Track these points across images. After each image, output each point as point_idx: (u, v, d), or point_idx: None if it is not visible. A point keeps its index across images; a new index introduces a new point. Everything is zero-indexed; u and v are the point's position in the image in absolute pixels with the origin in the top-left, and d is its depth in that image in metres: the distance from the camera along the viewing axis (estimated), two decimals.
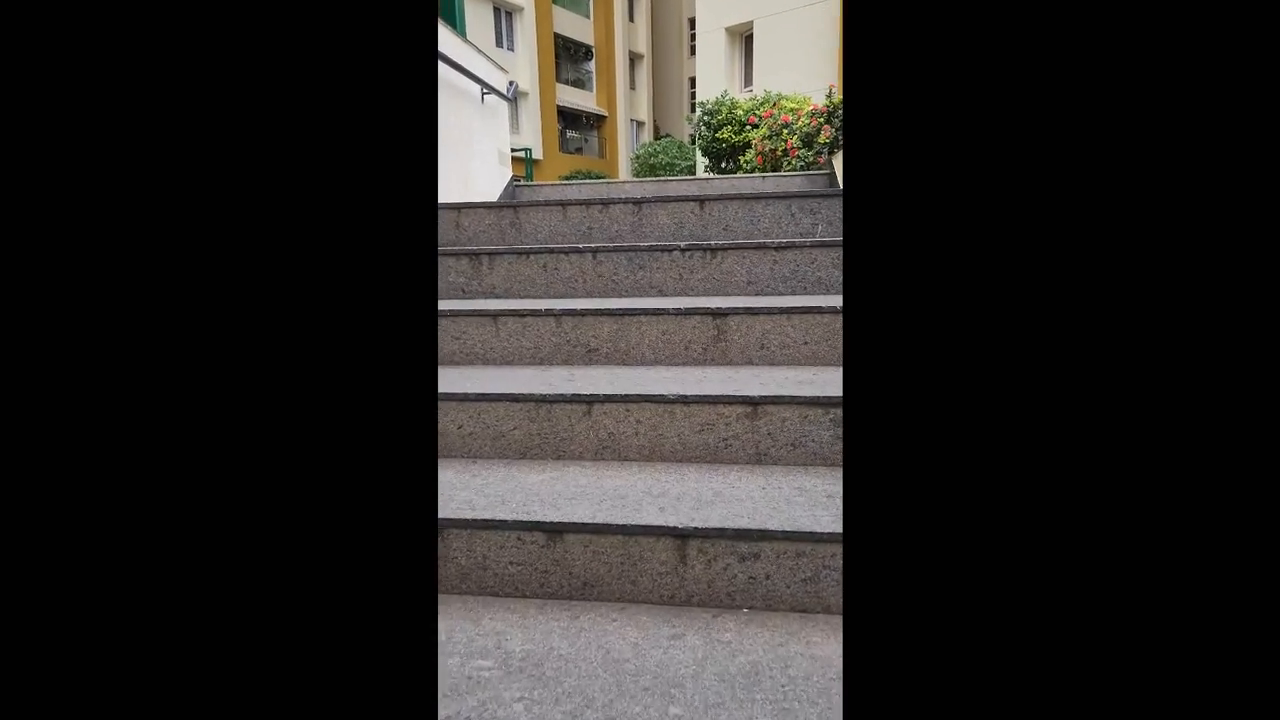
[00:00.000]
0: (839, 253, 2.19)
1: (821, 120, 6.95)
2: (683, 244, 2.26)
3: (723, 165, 10.84)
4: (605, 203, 2.62)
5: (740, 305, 1.94)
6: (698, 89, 16.95)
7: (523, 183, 6.06)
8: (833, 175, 5.49)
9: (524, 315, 2.02)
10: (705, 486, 1.52)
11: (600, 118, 20.62)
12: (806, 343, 1.92)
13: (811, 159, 6.75)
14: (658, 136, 23.14)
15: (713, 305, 1.96)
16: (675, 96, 23.32)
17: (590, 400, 1.68)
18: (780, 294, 2.23)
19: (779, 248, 2.22)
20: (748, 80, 16.10)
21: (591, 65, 20.21)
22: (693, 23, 20.83)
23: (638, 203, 2.60)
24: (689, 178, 5.56)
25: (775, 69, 15.04)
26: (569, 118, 19.71)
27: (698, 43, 16.66)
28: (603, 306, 2.00)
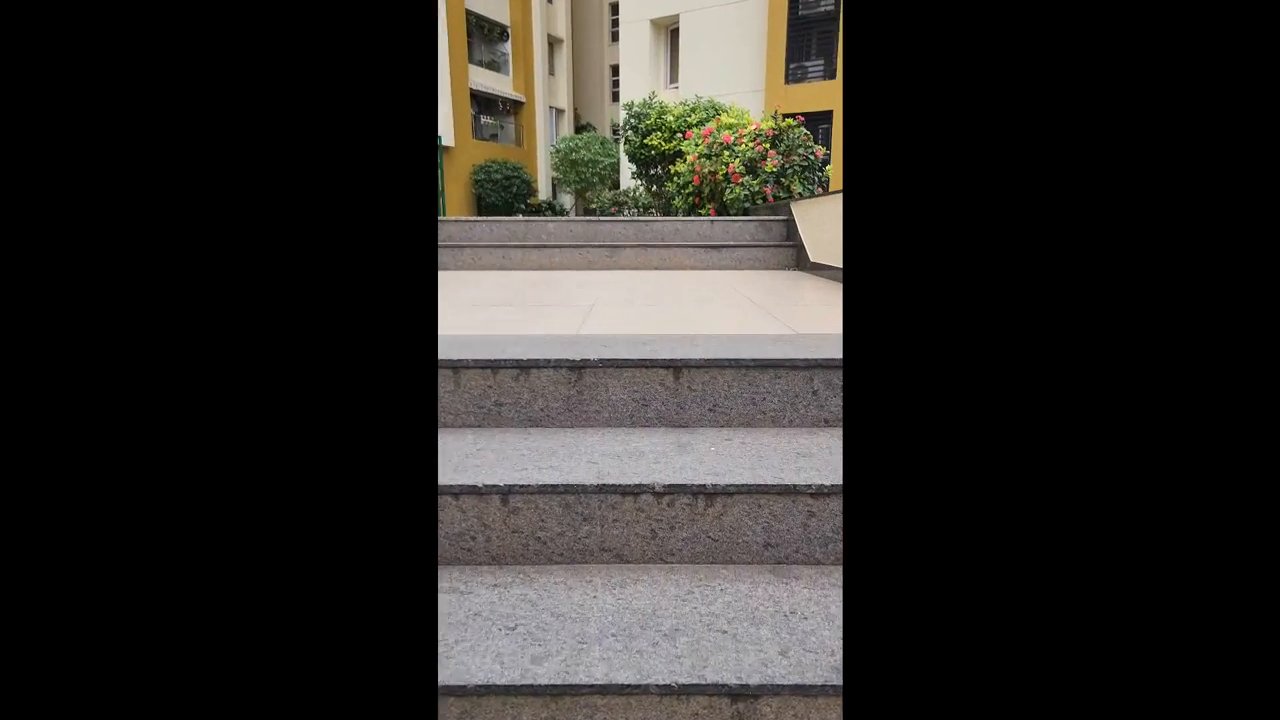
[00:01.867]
0: None
1: (766, 145, 6.08)
2: (659, 483, 1.29)
3: (651, 172, 9.85)
4: (523, 367, 1.59)
5: (784, 680, 1.00)
6: (621, 83, 15.69)
7: None
8: (791, 222, 4.63)
9: None
10: None
11: (517, 103, 18.98)
12: None
13: (756, 188, 5.87)
14: (579, 126, 21.74)
15: (728, 680, 1.00)
16: (596, 84, 21.94)
17: None
18: (820, 564, 1.31)
19: (816, 494, 1.29)
20: (673, 77, 15.02)
21: (507, 47, 18.48)
22: (615, 8, 19.43)
23: (577, 367, 1.59)
24: (625, 219, 4.56)
25: (703, 66, 14.06)
26: (483, 102, 17.98)
27: (621, 34, 15.36)
28: (518, 680, 1.00)
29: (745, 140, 6.12)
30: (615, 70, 19.33)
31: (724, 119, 7.00)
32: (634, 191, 10.43)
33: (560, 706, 1.00)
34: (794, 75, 12.65)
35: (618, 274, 4.00)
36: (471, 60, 17.22)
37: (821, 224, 3.80)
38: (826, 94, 12.26)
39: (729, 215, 6.18)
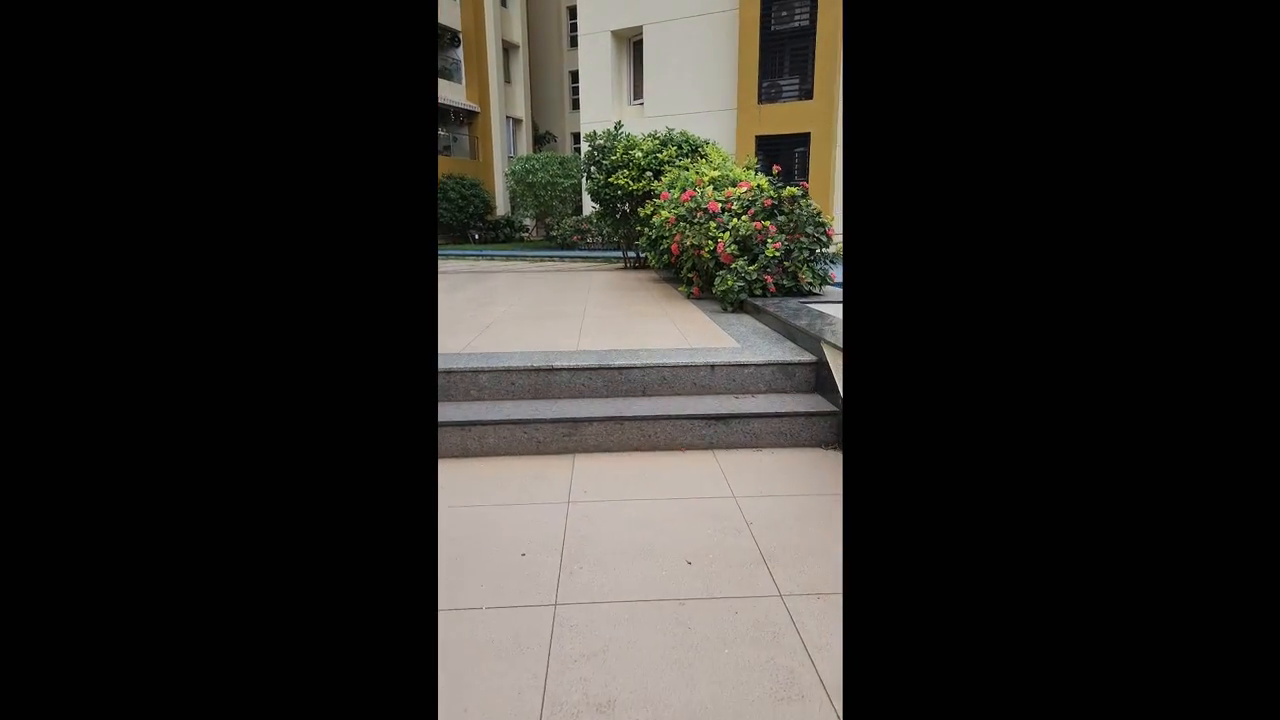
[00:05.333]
0: None
1: (765, 219, 4.67)
2: None
3: (619, 211, 8.33)
4: None
5: None
6: (581, 101, 13.87)
7: None
8: (821, 366, 3.26)
9: None
10: None
11: (471, 113, 17.10)
12: None
13: (755, 275, 4.45)
14: (537, 136, 19.92)
15: None
16: (555, 91, 20.11)
17: None
18: None
19: None
20: (637, 93, 13.37)
21: (459, 54, 16.54)
22: (573, 12, 17.54)
23: None
24: (591, 362, 3.08)
25: (669, 83, 12.40)
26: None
27: (580, 47, 13.57)
28: None
29: (735, 208, 4.70)
30: (575, 77, 17.52)
31: (705, 170, 5.54)
32: (597, 220, 8.91)
33: None
34: (767, 94, 11.23)
35: (577, 485, 2.55)
36: None
37: None
38: (803, 115, 10.89)
39: (716, 298, 4.77)
